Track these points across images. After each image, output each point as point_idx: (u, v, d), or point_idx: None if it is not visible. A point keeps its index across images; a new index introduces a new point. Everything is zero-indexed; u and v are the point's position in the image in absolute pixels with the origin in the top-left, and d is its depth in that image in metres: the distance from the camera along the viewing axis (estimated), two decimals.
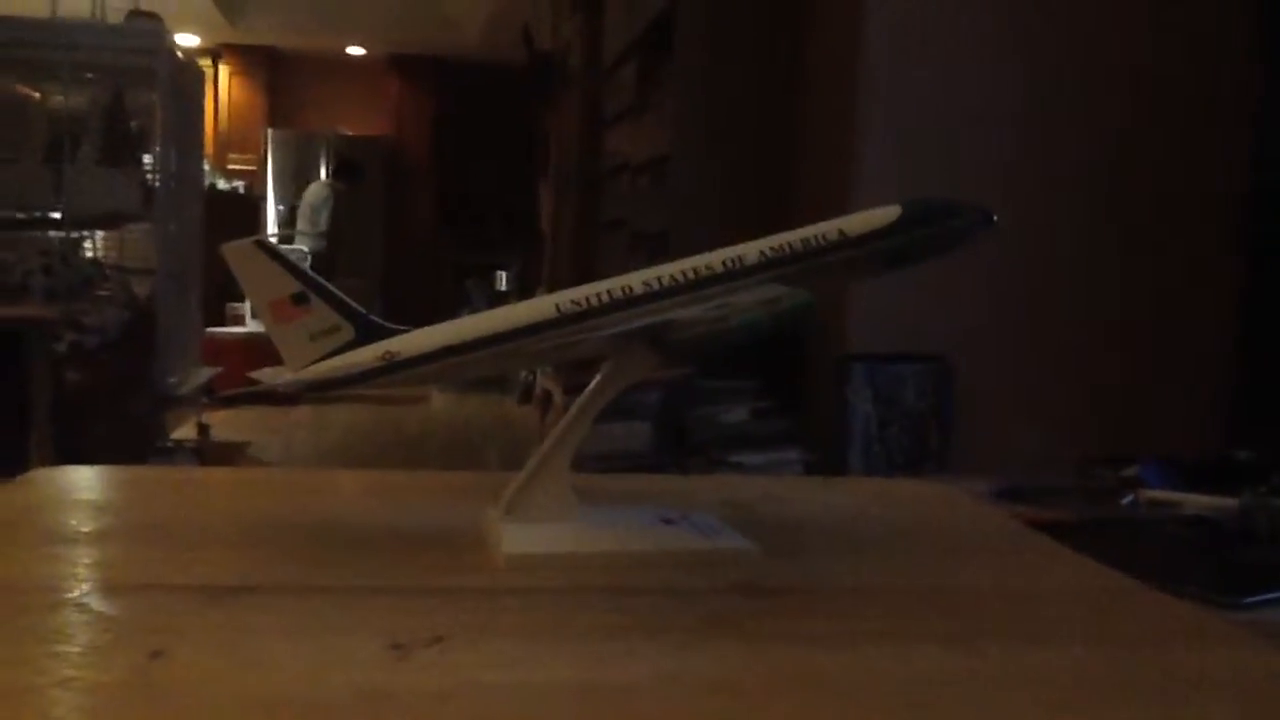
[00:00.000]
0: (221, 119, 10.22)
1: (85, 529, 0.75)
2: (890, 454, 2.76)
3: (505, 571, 0.65)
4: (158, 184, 4.72)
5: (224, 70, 10.33)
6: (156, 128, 4.75)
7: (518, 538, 0.67)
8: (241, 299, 7.39)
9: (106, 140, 4.61)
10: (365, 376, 0.68)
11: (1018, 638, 0.59)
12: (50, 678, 0.48)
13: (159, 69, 4.63)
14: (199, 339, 5.72)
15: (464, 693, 0.48)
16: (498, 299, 9.42)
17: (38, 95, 4.77)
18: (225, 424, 5.76)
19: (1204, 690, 0.53)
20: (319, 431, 6.38)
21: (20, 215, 4.57)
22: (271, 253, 0.69)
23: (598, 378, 0.71)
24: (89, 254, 4.73)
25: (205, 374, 5.32)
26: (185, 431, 5.24)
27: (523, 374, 6.91)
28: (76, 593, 0.60)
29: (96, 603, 0.58)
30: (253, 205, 9.84)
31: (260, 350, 0.77)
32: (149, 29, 4.79)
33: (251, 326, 7.32)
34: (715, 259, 0.69)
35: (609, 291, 0.68)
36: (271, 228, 9.86)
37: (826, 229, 0.70)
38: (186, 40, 9.12)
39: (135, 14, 4.98)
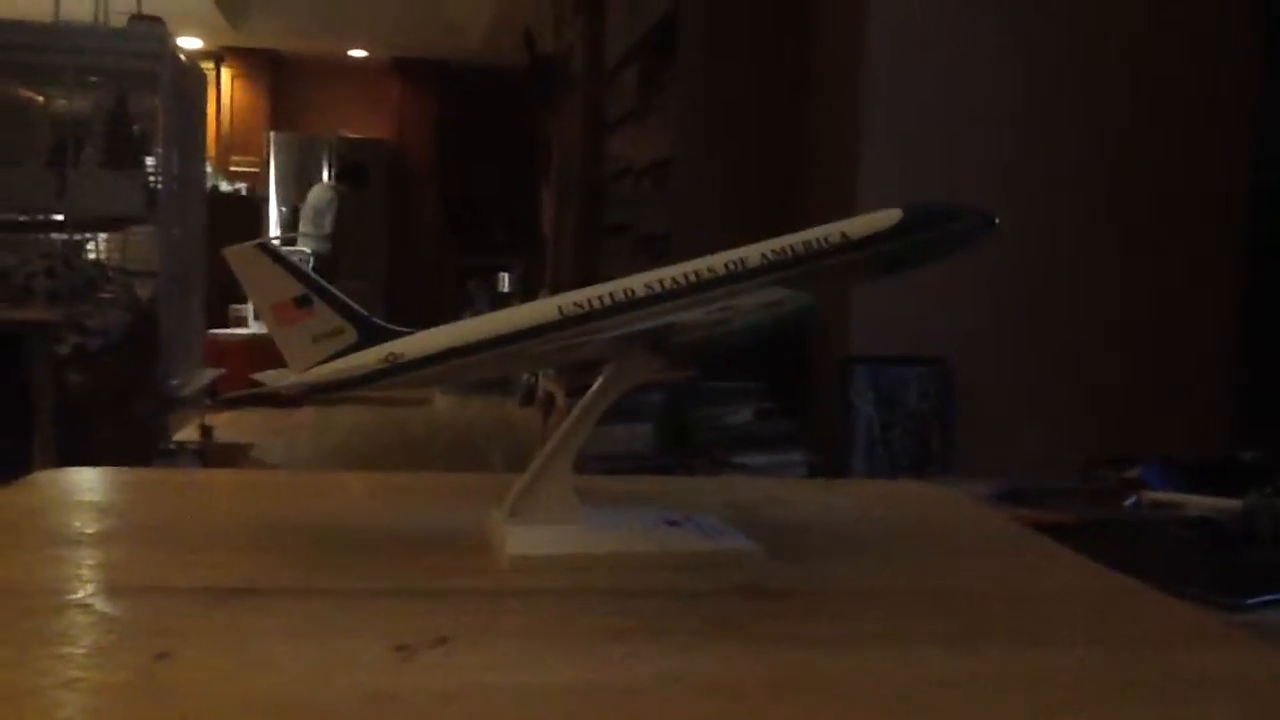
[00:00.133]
0: (224, 122, 10.24)
1: (89, 531, 0.75)
2: (893, 456, 2.76)
3: (509, 573, 0.65)
4: (160, 186, 4.73)
5: (226, 73, 10.35)
6: (159, 131, 4.76)
7: (521, 539, 0.68)
8: (244, 301, 7.40)
9: (109, 143, 4.62)
10: (368, 379, 0.68)
11: (1019, 639, 0.59)
12: (55, 679, 0.48)
13: (162, 72, 4.64)
14: (202, 341, 5.73)
15: (468, 694, 0.48)
16: (500, 301, 9.42)
17: (41, 99, 4.78)
18: (228, 426, 5.76)
19: (1204, 691, 0.53)
20: (322, 433, 6.38)
21: (23, 218, 4.58)
22: (274, 255, 0.69)
23: (600, 380, 0.71)
24: (92, 256, 4.74)
25: (208, 376, 5.33)
26: (188, 433, 5.25)
27: (525, 376, 6.92)
28: (81, 594, 0.60)
29: (101, 604, 0.58)
30: (255, 207, 9.85)
31: (263, 352, 0.77)
32: (152, 32, 4.79)
33: (254, 328, 7.33)
34: (717, 262, 0.70)
35: (611, 294, 0.68)
36: (274, 230, 9.87)
37: (828, 232, 0.71)
38: (189, 43, 9.14)
39: (138, 18, 4.99)
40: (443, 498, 0.90)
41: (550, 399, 5.47)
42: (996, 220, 0.73)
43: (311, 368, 0.68)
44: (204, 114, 5.76)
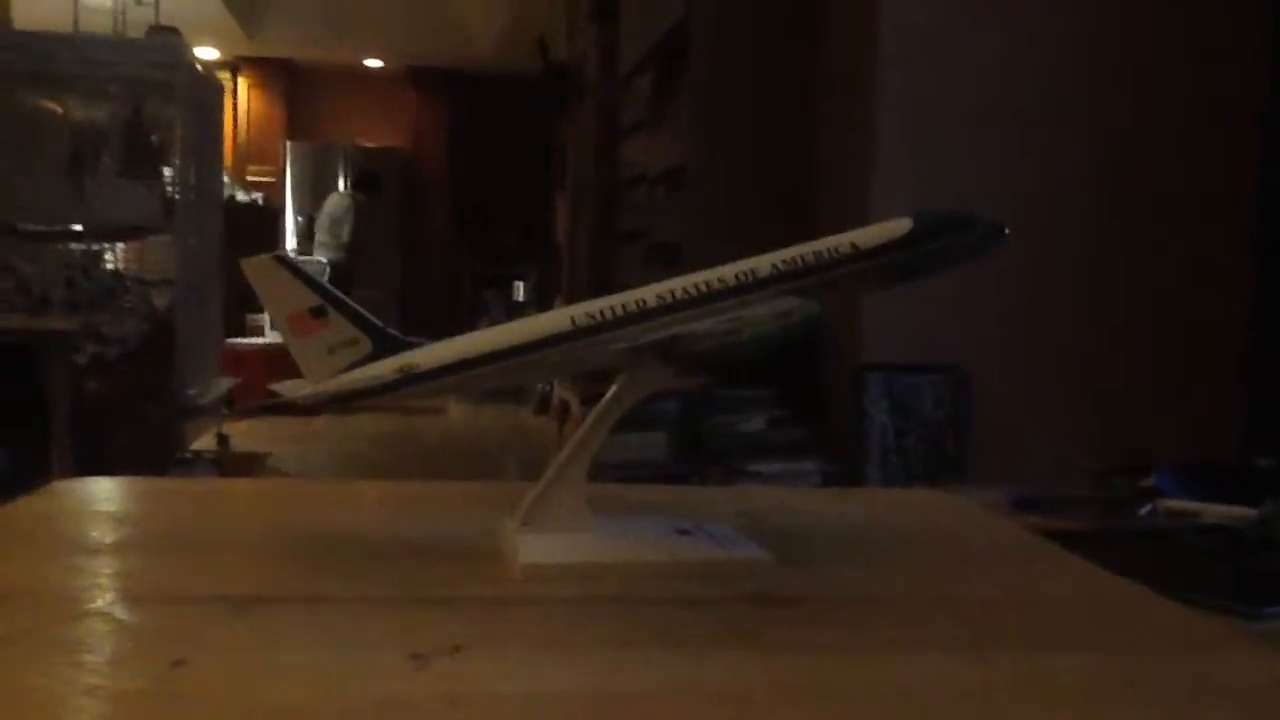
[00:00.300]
0: (240, 131, 10.29)
1: (107, 540, 0.76)
2: (908, 464, 2.75)
3: (522, 582, 0.66)
4: (178, 196, 4.76)
5: (243, 83, 10.41)
6: (176, 141, 4.79)
7: (534, 548, 0.68)
8: (260, 310, 7.43)
9: (127, 153, 4.65)
10: (384, 389, 0.69)
11: (1028, 646, 0.59)
12: (75, 686, 0.49)
13: (178, 83, 4.67)
14: (218, 350, 5.75)
15: (481, 701, 0.49)
16: (516, 309, 9.45)
17: (59, 109, 4.81)
18: (245, 435, 5.79)
19: (1210, 697, 0.54)
20: (338, 442, 6.40)
21: (42, 228, 4.61)
22: (290, 267, 0.70)
23: (613, 389, 0.72)
24: (109, 266, 4.77)
25: (225, 384, 5.35)
26: (205, 442, 5.27)
27: (540, 385, 6.92)
28: (99, 603, 0.60)
29: (119, 612, 0.59)
30: (272, 217, 9.89)
31: (279, 361, 0.78)
32: (168, 43, 4.83)
33: (271, 337, 7.36)
34: (728, 272, 0.70)
35: (623, 305, 0.69)
36: (290, 239, 9.92)
37: (838, 242, 0.71)
38: (205, 54, 9.19)
39: (155, 29, 5.03)
40: (456, 507, 0.90)
41: (565, 407, 5.47)
42: (1007, 230, 0.73)
43: (327, 378, 0.69)
44: (220, 124, 5.79)
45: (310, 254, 8.77)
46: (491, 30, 8.83)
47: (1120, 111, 2.90)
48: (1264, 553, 1.59)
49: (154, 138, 4.82)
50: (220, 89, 5.84)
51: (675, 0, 3.97)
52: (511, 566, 0.67)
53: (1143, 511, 1.78)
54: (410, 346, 0.70)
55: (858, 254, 0.71)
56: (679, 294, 0.69)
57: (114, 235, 4.79)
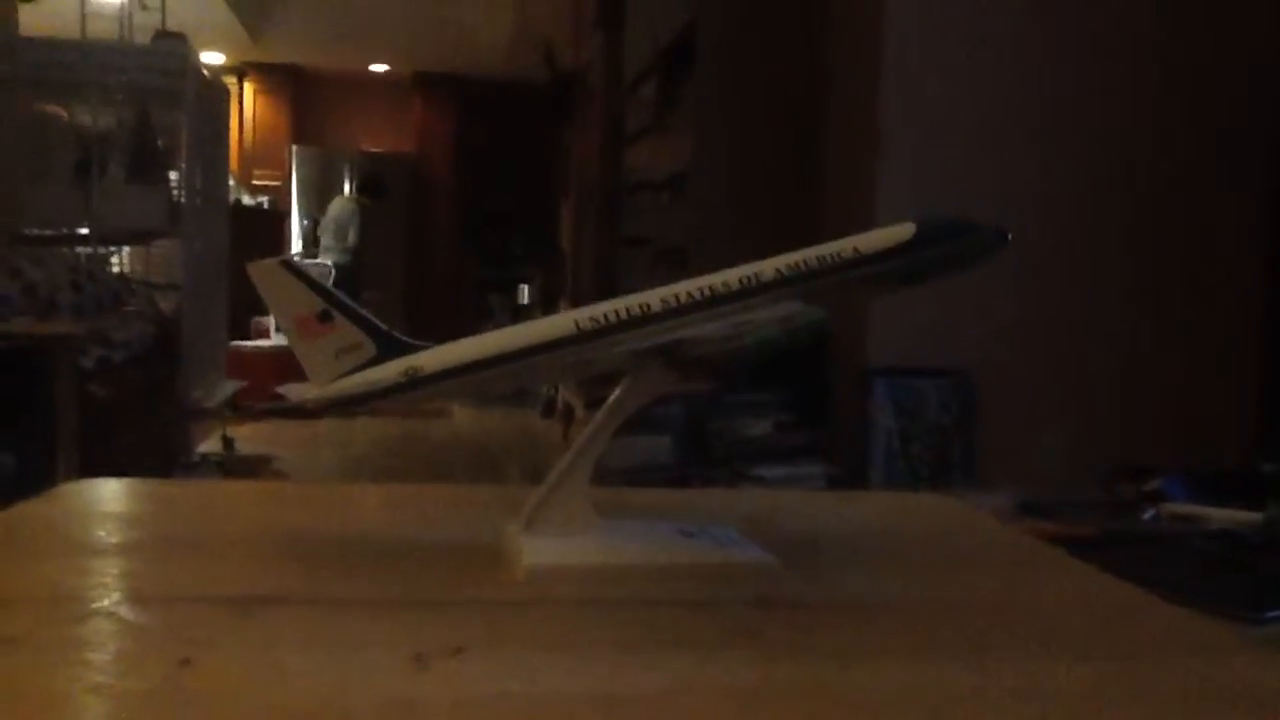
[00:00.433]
0: (246, 136, 10.32)
1: (113, 541, 0.76)
2: (913, 468, 2.75)
3: (525, 584, 0.66)
4: (184, 200, 4.77)
5: (249, 88, 10.43)
6: (182, 145, 4.81)
7: (537, 550, 0.68)
8: (266, 313, 7.45)
9: (134, 158, 4.67)
10: (388, 392, 0.69)
11: (1031, 651, 0.59)
12: (81, 685, 0.49)
13: (185, 88, 4.69)
14: (224, 353, 5.77)
15: (484, 703, 0.49)
16: (520, 313, 9.46)
17: (66, 114, 4.83)
18: (250, 438, 5.80)
19: (1216, 702, 0.54)
20: (343, 445, 6.41)
21: (49, 232, 4.62)
22: (296, 271, 0.71)
23: (616, 393, 0.72)
24: (116, 270, 4.78)
25: (230, 387, 5.36)
26: (210, 445, 5.28)
27: (545, 388, 6.93)
28: (106, 603, 0.61)
29: (125, 613, 0.59)
30: (277, 221, 9.92)
31: (285, 364, 0.78)
32: (175, 49, 4.85)
33: (276, 340, 7.38)
34: (732, 276, 0.70)
35: (627, 309, 0.69)
36: (296, 243, 9.94)
37: (842, 247, 0.71)
38: (212, 59, 9.22)
39: (161, 34, 5.05)
40: (460, 509, 0.91)
41: (569, 411, 5.48)
42: (1009, 235, 0.73)
43: (333, 382, 0.69)
44: (227, 129, 5.81)
45: (315, 258, 8.79)
46: (497, 37, 8.85)
47: (1125, 114, 2.90)
48: (1269, 557, 1.59)
49: (160, 143, 4.84)
50: (226, 94, 5.86)
51: (681, 7, 3.98)
52: (515, 569, 0.68)
53: (1147, 516, 1.78)
54: (415, 349, 0.70)
55: (861, 259, 0.71)
56: (683, 298, 0.70)
57: (120, 239, 4.81)
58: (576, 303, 0.70)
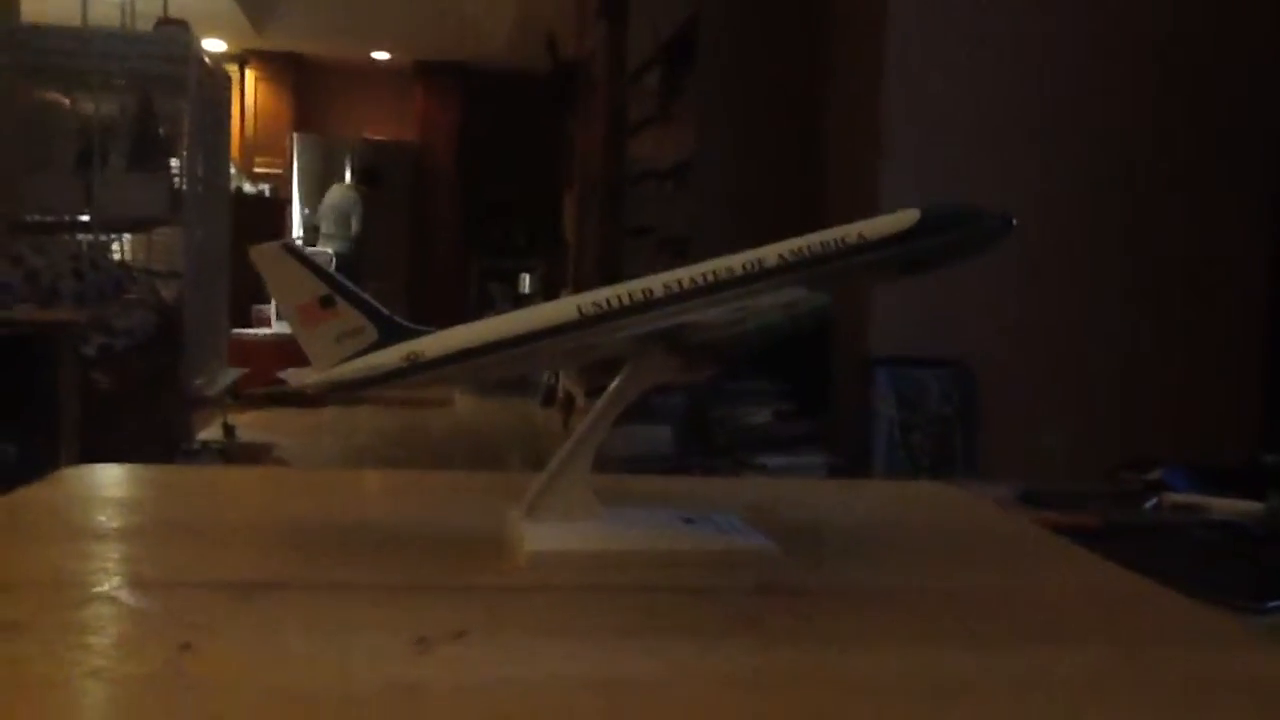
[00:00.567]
0: (248, 124, 10.31)
1: (114, 526, 0.76)
2: (914, 458, 2.75)
3: (527, 570, 0.66)
4: (185, 188, 4.77)
5: (250, 76, 10.42)
6: (184, 133, 4.80)
7: (539, 536, 0.68)
8: (267, 301, 7.45)
9: (135, 146, 4.66)
10: (389, 377, 0.69)
11: (1034, 639, 0.59)
12: (81, 669, 0.49)
13: (187, 75, 4.68)
14: (226, 340, 5.77)
15: (486, 686, 0.49)
16: (522, 303, 9.46)
17: (68, 102, 4.82)
18: (251, 426, 5.80)
19: (1220, 692, 0.53)
20: (344, 434, 6.41)
21: (50, 220, 4.62)
22: (298, 256, 0.70)
23: (618, 380, 0.71)
24: (117, 258, 4.78)
25: (231, 375, 5.37)
26: (211, 433, 5.28)
27: (545, 377, 6.94)
28: (106, 587, 0.61)
29: (126, 597, 0.59)
30: (279, 209, 9.92)
31: (286, 352, 0.78)
32: (177, 36, 4.84)
33: (277, 328, 7.38)
34: (735, 262, 0.70)
35: (630, 294, 0.69)
36: (297, 231, 9.93)
37: (846, 233, 0.71)
38: (213, 46, 9.20)
39: (163, 22, 5.04)
40: (462, 496, 0.90)
41: (570, 399, 5.48)
42: (1014, 222, 0.73)
43: (334, 366, 0.69)
44: (228, 116, 5.80)
45: (314, 245, 8.79)
46: (500, 26, 8.83)
47: (1125, 114, 2.89)
48: (1270, 547, 1.59)
49: (162, 130, 4.83)
50: (228, 82, 5.85)
51: None
52: (517, 554, 0.68)
53: (1148, 505, 1.78)
54: (417, 335, 0.70)
55: (865, 245, 0.71)
56: (686, 283, 0.69)
57: (122, 227, 4.80)
58: (578, 292, 0.70)
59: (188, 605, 0.59)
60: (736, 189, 3.61)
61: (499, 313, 0.73)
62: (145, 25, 4.99)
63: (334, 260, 8.19)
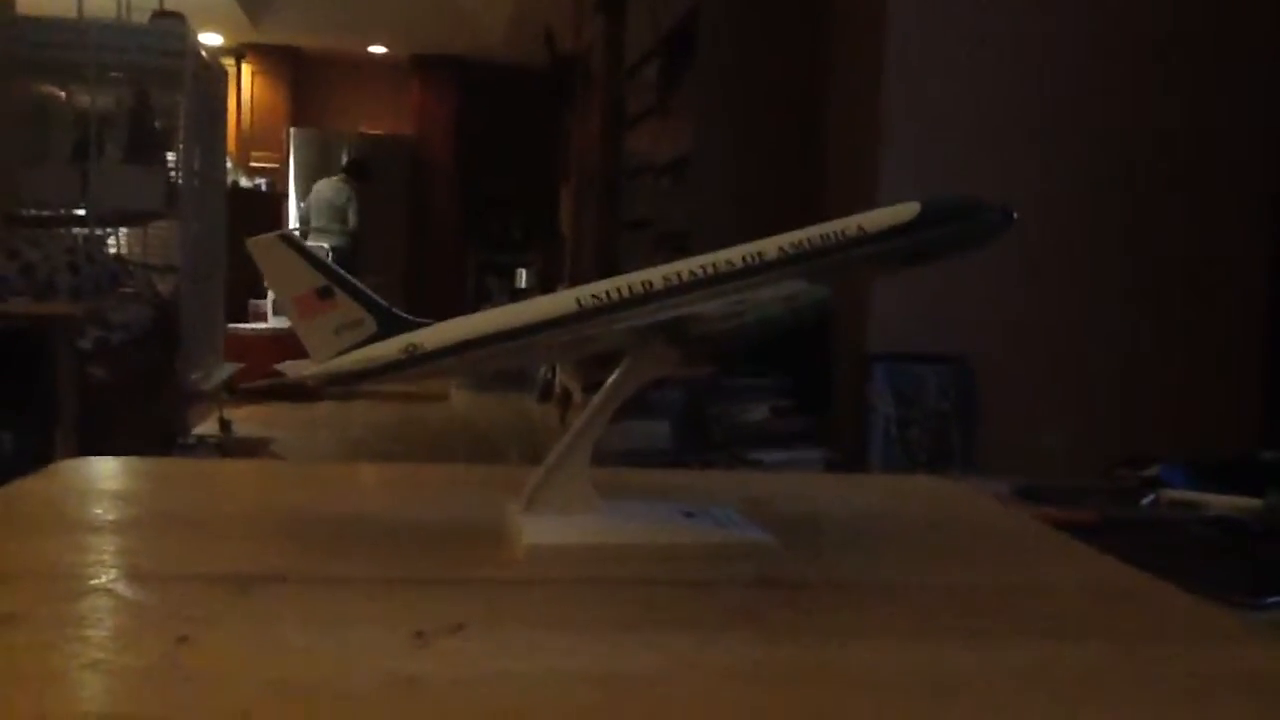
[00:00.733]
0: (244, 118, 10.29)
1: (111, 518, 0.76)
2: (911, 454, 2.75)
3: (525, 563, 0.66)
4: (181, 182, 4.76)
5: (247, 69, 10.40)
6: (181, 127, 4.79)
7: (538, 530, 0.68)
8: (264, 295, 7.44)
9: (131, 139, 4.65)
10: (388, 369, 0.68)
11: (1033, 633, 0.59)
12: (78, 661, 0.49)
13: (183, 69, 4.67)
14: (222, 335, 5.77)
15: (484, 680, 0.49)
16: (518, 297, 9.43)
17: (64, 95, 4.81)
18: (247, 420, 5.80)
19: (1219, 686, 0.53)
20: (341, 429, 6.41)
21: (46, 213, 4.61)
22: (296, 247, 0.70)
23: (617, 372, 0.71)
24: (113, 251, 4.77)
25: (228, 369, 5.36)
26: (208, 427, 5.28)
27: (543, 371, 6.93)
28: (103, 580, 0.60)
29: (123, 590, 0.59)
30: (275, 203, 9.91)
31: (283, 346, 0.77)
32: (173, 29, 4.82)
33: (274, 322, 7.37)
34: (735, 255, 0.70)
35: (629, 286, 0.69)
36: (293, 224, 9.92)
37: (846, 225, 0.71)
38: (210, 40, 9.18)
39: (160, 14, 5.02)
40: (460, 489, 0.90)
41: (567, 394, 5.48)
42: (1014, 214, 0.73)
43: (332, 358, 0.69)
44: (225, 110, 5.79)
45: (306, 238, 8.77)
46: (498, 19, 8.82)
47: (1125, 114, 2.89)
48: (1268, 543, 1.59)
49: (158, 124, 4.82)
50: (224, 75, 5.83)
51: None
52: (515, 548, 0.67)
53: (1145, 501, 1.78)
54: (416, 327, 0.69)
55: (865, 237, 0.70)
56: (685, 276, 0.69)
57: (118, 220, 4.79)
58: (575, 287, 0.69)
59: (185, 598, 0.59)
60: (735, 183, 3.61)
61: (496, 307, 0.73)
62: (141, 18, 4.97)
63: (330, 254, 8.17)
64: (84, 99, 4.64)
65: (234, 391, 5.36)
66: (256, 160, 10.32)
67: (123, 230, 4.95)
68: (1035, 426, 2.76)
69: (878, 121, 2.89)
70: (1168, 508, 1.75)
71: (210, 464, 1.16)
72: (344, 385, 0.70)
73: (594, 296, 0.68)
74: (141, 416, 3.81)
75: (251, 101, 10.45)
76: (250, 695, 0.46)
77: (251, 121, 10.41)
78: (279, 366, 0.72)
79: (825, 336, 3.00)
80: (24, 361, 3.15)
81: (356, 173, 9.04)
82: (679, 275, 0.69)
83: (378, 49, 10.61)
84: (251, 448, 5.24)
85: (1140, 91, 2.90)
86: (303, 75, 10.71)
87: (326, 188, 9.00)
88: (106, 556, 0.66)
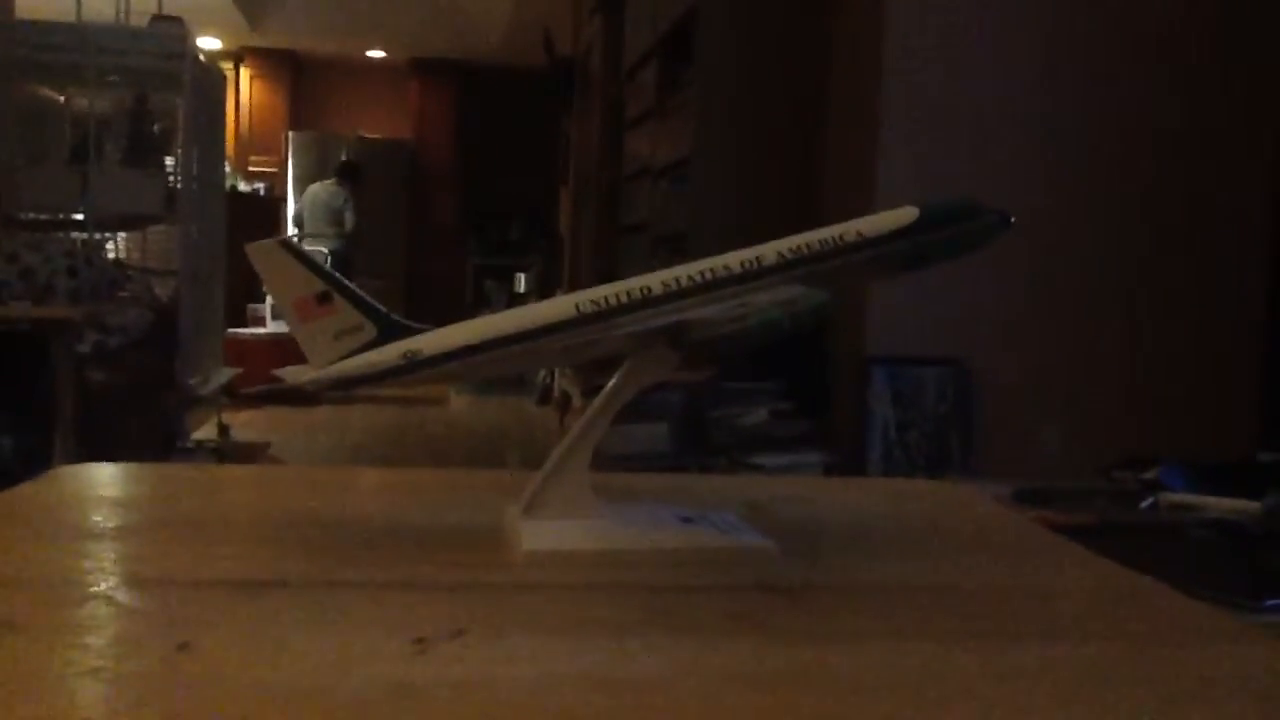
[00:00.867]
0: (243, 121, 10.29)
1: (110, 524, 0.76)
2: (910, 457, 2.76)
3: (524, 568, 0.66)
4: (180, 186, 4.76)
5: (245, 73, 10.40)
6: (179, 130, 4.79)
7: (537, 534, 0.68)
8: (263, 300, 7.44)
9: (130, 143, 4.65)
10: (387, 375, 0.68)
11: (1033, 636, 0.59)
12: (78, 668, 0.49)
13: (182, 72, 4.67)
14: (221, 339, 5.76)
15: (483, 685, 0.49)
16: (517, 301, 9.45)
17: (62, 98, 4.81)
18: (246, 425, 5.79)
19: (1219, 688, 0.53)
20: (340, 432, 6.40)
21: (45, 217, 4.61)
22: (295, 252, 0.70)
23: (616, 377, 0.71)
24: (112, 255, 4.77)
25: (227, 374, 5.35)
26: (206, 432, 5.27)
27: (541, 375, 6.93)
28: (103, 586, 0.60)
29: (123, 596, 0.59)
30: (274, 207, 9.90)
31: (282, 351, 0.77)
32: (172, 33, 4.82)
33: (273, 327, 7.37)
34: (733, 260, 0.70)
35: (628, 292, 0.69)
36: (291, 228, 9.92)
37: (844, 230, 0.71)
38: (209, 43, 9.19)
39: (158, 18, 5.02)
40: (459, 494, 0.90)
41: (566, 398, 5.48)
42: (1012, 219, 0.73)
43: (331, 364, 0.69)
44: (223, 114, 5.79)
45: (302, 243, 8.75)
46: (496, 22, 8.82)
47: (1125, 114, 2.89)
48: (1267, 546, 1.59)
49: (157, 127, 4.82)
50: (223, 79, 5.84)
51: None
52: (515, 552, 0.67)
53: (1144, 505, 1.78)
54: (415, 332, 0.69)
55: (864, 242, 0.71)
56: (684, 281, 0.69)
57: (117, 224, 4.79)
58: (574, 290, 0.69)
59: (184, 604, 0.59)
60: (734, 187, 3.61)
61: (494, 312, 0.73)
62: (140, 21, 4.97)
63: (329, 258, 8.17)
64: (83, 102, 4.64)
65: (233, 396, 5.36)
66: (255, 164, 10.32)
67: (121, 234, 4.95)
68: (1034, 429, 2.76)
69: (877, 122, 2.90)
70: (1167, 510, 1.75)
71: (209, 469, 1.16)
72: (343, 391, 0.70)
73: (593, 302, 0.68)
74: (140, 420, 3.81)
75: (250, 105, 10.46)
76: (250, 701, 0.46)
77: (250, 125, 10.42)
78: (278, 372, 0.72)
79: (822, 341, 3.00)
80: (23, 365, 3.15)
81: (349, 175, 9.04)
82: (678, 280, 0.69)
83: (376, 53, 10.62)
84: (250, 452, 5.24)
85: (1140, 91, 2.90)
86: (301, 79, 10.72)
87: (321, 190, 8.99)
88: (106, 563, 0.66)
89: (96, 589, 0.60)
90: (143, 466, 0.98)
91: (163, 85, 4.72)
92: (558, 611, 0.60)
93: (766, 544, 0.70)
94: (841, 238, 0.70)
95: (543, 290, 9.38)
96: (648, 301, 0.68)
